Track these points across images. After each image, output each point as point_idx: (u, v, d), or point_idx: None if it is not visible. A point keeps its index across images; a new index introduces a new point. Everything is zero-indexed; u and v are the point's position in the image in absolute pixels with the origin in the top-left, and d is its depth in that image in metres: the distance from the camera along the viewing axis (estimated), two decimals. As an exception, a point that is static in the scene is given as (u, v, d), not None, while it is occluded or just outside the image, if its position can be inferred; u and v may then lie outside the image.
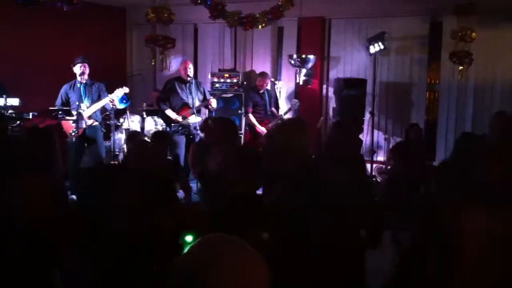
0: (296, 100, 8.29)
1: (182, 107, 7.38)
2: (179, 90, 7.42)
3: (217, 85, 8.79)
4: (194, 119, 7.34)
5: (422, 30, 8.38)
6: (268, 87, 8.25)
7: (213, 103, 7.44)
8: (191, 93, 7.39)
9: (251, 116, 7.99)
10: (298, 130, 3.17)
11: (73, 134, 6.63)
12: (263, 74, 8.22)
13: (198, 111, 7.52)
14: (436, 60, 8.55)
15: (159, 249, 2.10)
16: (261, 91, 8.06)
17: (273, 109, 8.26)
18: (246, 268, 1.17)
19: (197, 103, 7.40)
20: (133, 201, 2.18)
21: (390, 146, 7.91)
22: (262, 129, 7.90)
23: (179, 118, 7.33)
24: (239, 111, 8.53)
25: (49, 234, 2.21)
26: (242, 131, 8.47)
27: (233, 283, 1.15)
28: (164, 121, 7.77)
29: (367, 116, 8.25)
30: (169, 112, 7.40)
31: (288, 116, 8.05)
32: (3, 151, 3.72)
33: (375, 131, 8.37)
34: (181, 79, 7.49)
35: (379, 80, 8.50)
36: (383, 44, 7.78)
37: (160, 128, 8.00)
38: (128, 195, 2.19)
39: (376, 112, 8.43)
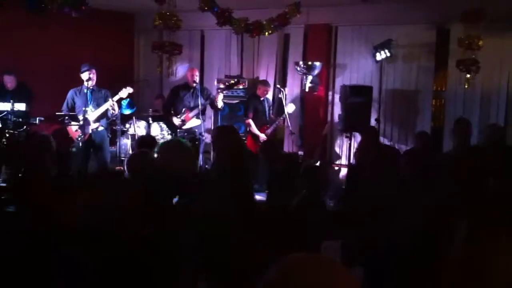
0: (292, 104, 8.28)
1: (185, 112, 7.45)
2: (183, 97, 7.51)
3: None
4: (194, 123, 7.43)
5: (429, 37, 8.35)
6: (268, 95, 8.33)
7: (219, 98, 7.39)
8: (194, 98, 7.46)
9: (250, 122, 8.00)
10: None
11: (79, 139, 6.64)
12: (265, 83, 8.31)
13: (203, 113, 7.55)
14: (443, 68, 8.52)
15: (160, 253, 2.11)
16: (261, 99, 8.11)
17: (272, 115, 8.31)
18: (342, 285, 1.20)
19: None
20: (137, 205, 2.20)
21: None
22: (258, 133, 7.90)
23: (179, 123, 7.42)
24: (244, 118, 8.55)
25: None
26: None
27: None
28: (169, 128, 7.82)
29: (373, 123, 8.23)
30: (172, 119, 7.50)
31: (286, 120, 8.15)
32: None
33: (381, 138, 8.34)
34: (185, 86, 7.58)
35: (385, 87, 8.47)
36: (389, 51, 7.77)
37: (166, 134, 8.03)
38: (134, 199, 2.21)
39: (382, 119, 8.40)
